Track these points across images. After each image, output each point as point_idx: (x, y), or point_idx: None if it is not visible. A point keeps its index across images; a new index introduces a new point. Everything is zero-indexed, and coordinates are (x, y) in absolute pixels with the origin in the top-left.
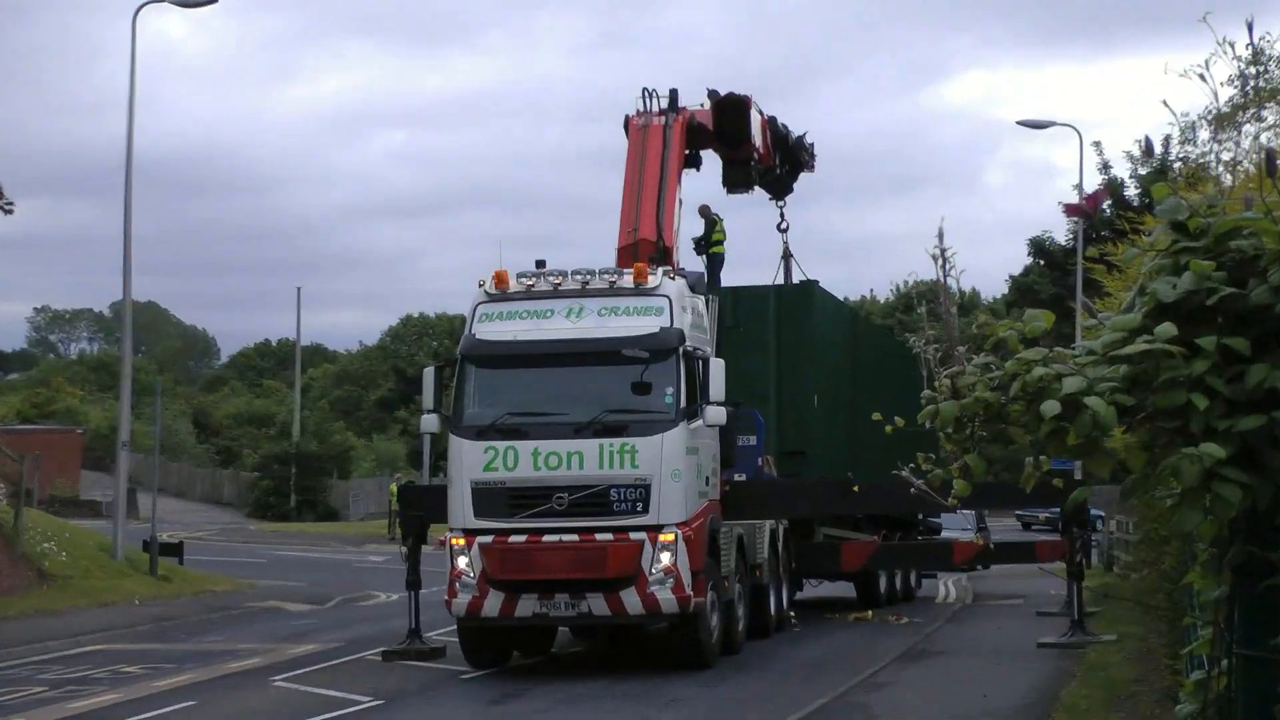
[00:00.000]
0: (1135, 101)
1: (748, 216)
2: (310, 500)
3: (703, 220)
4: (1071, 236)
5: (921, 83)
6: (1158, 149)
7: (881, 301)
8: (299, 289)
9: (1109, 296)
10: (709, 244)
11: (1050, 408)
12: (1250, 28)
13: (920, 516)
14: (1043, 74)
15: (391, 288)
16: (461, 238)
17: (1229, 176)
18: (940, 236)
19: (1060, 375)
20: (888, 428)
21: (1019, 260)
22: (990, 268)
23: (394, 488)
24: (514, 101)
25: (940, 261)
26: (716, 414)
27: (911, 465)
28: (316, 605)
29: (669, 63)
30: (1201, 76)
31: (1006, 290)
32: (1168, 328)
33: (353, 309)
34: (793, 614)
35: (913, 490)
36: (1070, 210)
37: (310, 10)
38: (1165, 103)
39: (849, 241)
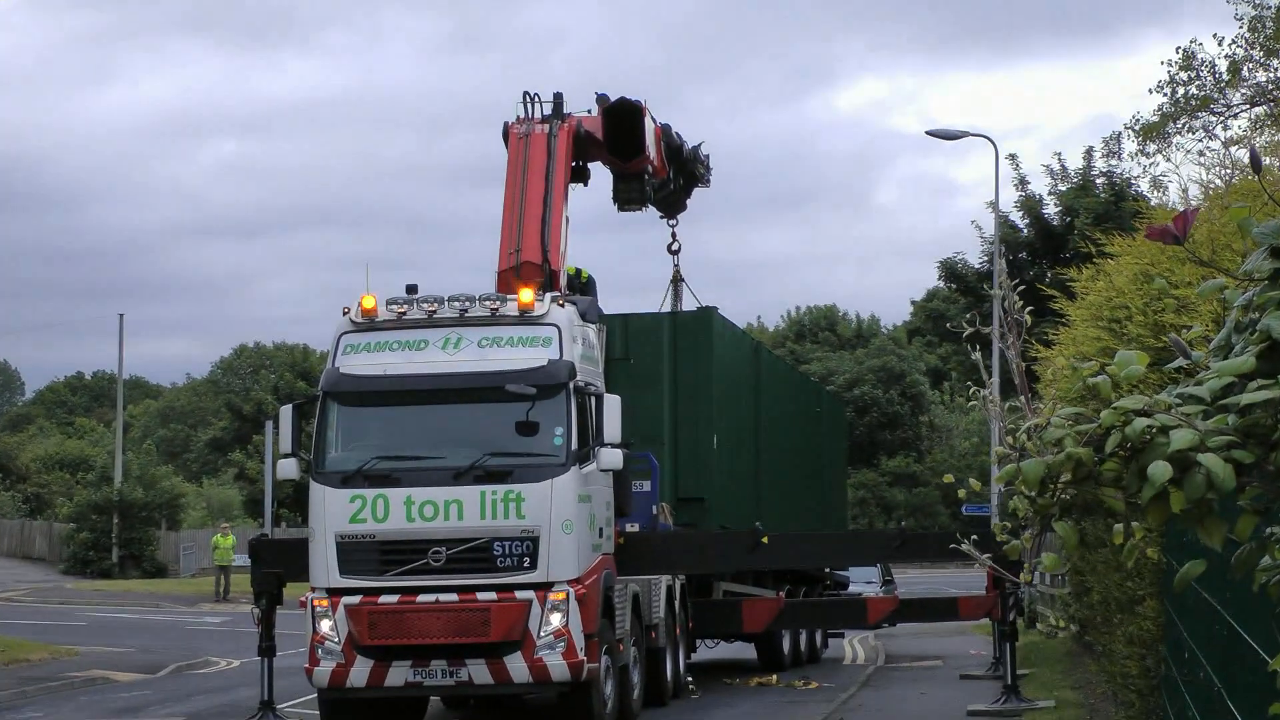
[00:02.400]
0: (1043, 109)
1: (621, 239)
2: (135, 555)
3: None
4: (986, 259)
5: (808, 89)
6: (1077, 161)
7: (771, 330)
8: (121, 316)
9: (1066, 327)
10: (578, 279)
11: (1160, 470)
12: None
13: (827, 570)
14: (942, 80)
15: (222, 314)
16: (301, 259)
17: (1158, 192)
18: (1004, 272)
19: (1166, 428)
20: (960, 491)
21: (919, 283)
22: (887, 291)
23: (219, 540)
24: (358, 108)
25: (1003, 297)
26: (612, 457)
27: (974, 535)
28: (148, 674)
29: (530, 66)
30: None
31: (910, 315)
32: None
33: (178, 338)
34: (690, 680)
35: (977, 565)
36: (1154, 234)
37: (127, 6)
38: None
39: (731, 264)
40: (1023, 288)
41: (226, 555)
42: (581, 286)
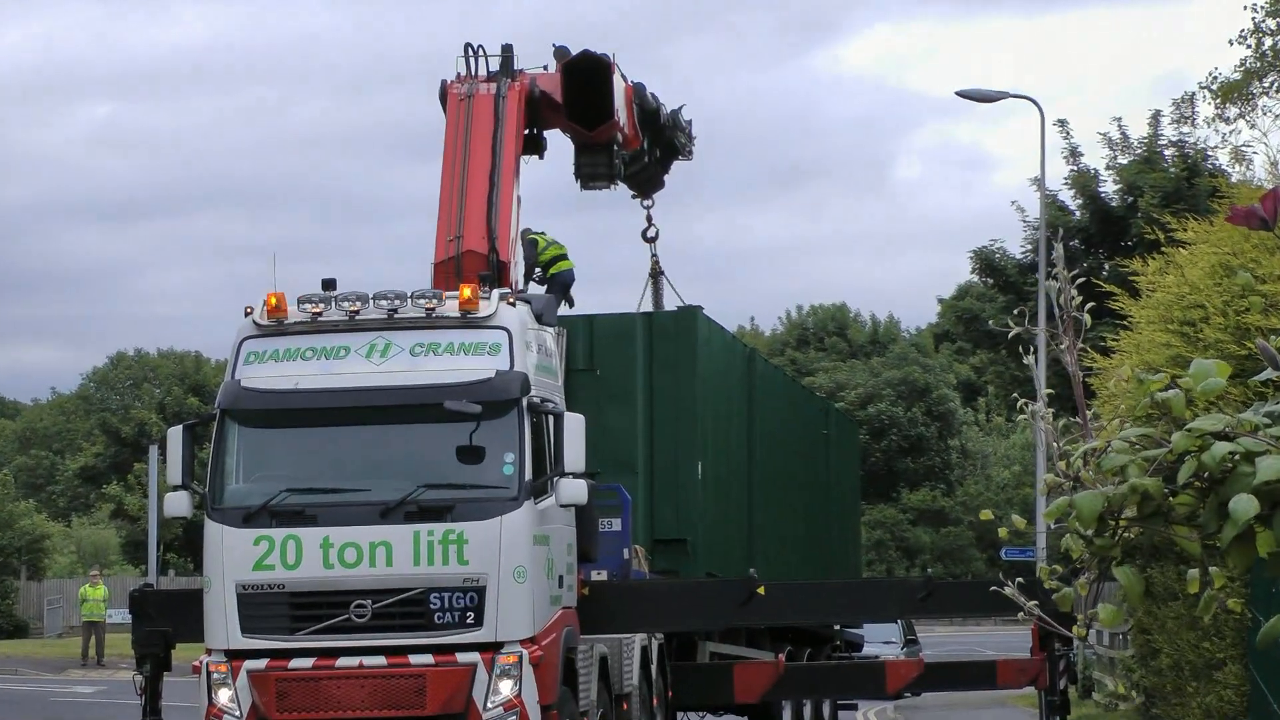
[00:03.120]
0: (1098, 65)
1: (585, 222)
2: None
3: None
4: (1029, 248)
5: (811, 42)
6: (1142, 128)
7: (768, 334)
8: None
9: (1128, 330)
10: (546, 267)
11: (1245, 506)
12: None
13: (838, 627)
14: (972, 29)
15: (95, 315)
16: (192, 246)
17: (1240, 166)
18: (1060, 258)
19: (1252, 454)
20: (1002, 530)
21: (947, 277)
22: (908, 287)
23: (88, 590)
24: (261, 63)
25: (1062, 291)
26: (574, 489)
27: (1019, 579)
28: None
29: (473, 12)
30: None
31: (937, 316)
32: None
33: (40, 344)
34: None
35: (1020, 616)
36: (1238, 217)
37: None
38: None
39: (719, 254)
40: (1082, 280)
41: (97, 609)
42: (546, 275)
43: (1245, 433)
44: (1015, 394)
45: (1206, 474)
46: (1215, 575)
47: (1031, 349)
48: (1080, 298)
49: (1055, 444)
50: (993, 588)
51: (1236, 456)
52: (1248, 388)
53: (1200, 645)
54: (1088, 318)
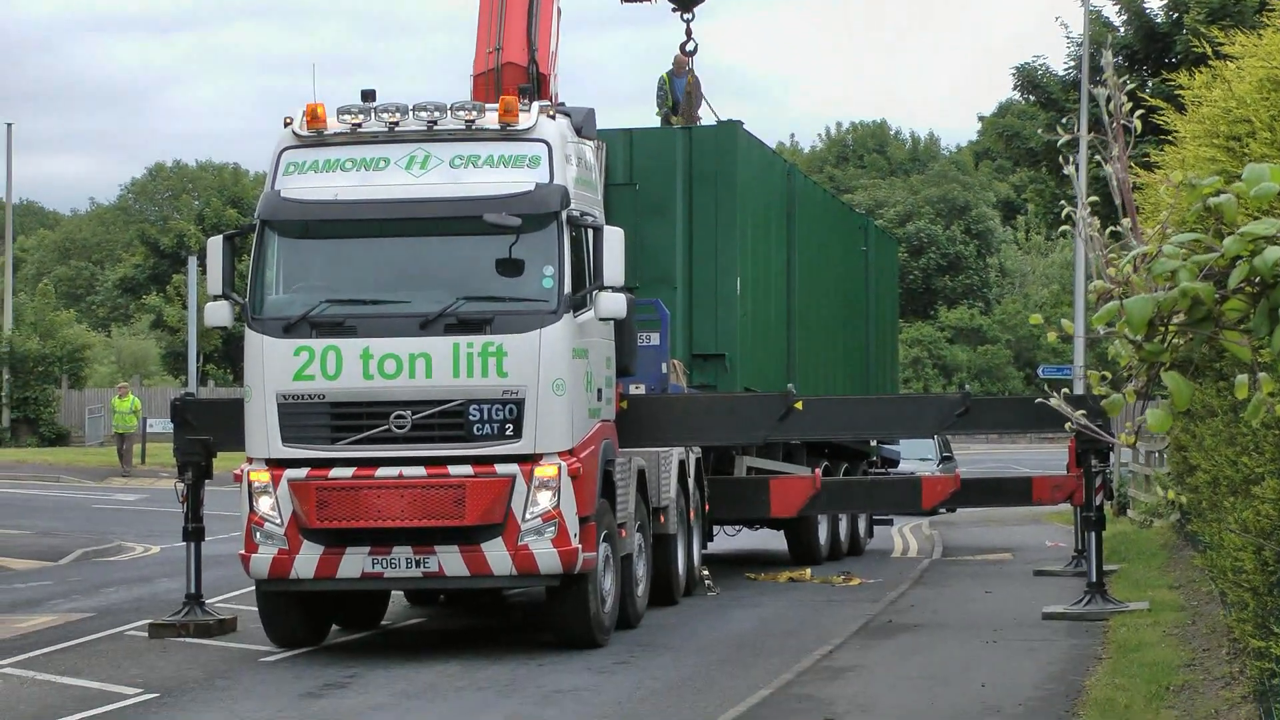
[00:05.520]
0: None
1: (624, 37)
2: (31, 418)
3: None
4: (1072, 64)
5: None
6: None
7: (807, 151)
8: (9, 126)
9: (1171, 145)
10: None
11: None
12: None
13: (874, 443)
14: None
15: (133, 127)
16: (230, 59)
17: None
18: (1110, 64)
19: None
20: (1051, 334)
21: (988, 95)
22: (948, 104)
23: (116, 402)
24: None
25: (1112, 98)
26: (613, 303)
27: (1064, 390)
28: (49, 562)
29: None
30: None
31: (977, 134)
32: None
33: (79, 155)
34: (706, 573)
35: (1067, 426)
36: None
37: None
38: None
39: (757, 71)
40: (1128, 88)
41: (127, 421)
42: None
43: None
44: (1062, 202)
45: (1258, 279)
46: (1264, 381)
47: (1073, 159)
48: (1130, 104)
49: (1101, 252)
50: (1038, 400)
51: None
52: None
53: (1239, 460)
54: (1137, 123)
